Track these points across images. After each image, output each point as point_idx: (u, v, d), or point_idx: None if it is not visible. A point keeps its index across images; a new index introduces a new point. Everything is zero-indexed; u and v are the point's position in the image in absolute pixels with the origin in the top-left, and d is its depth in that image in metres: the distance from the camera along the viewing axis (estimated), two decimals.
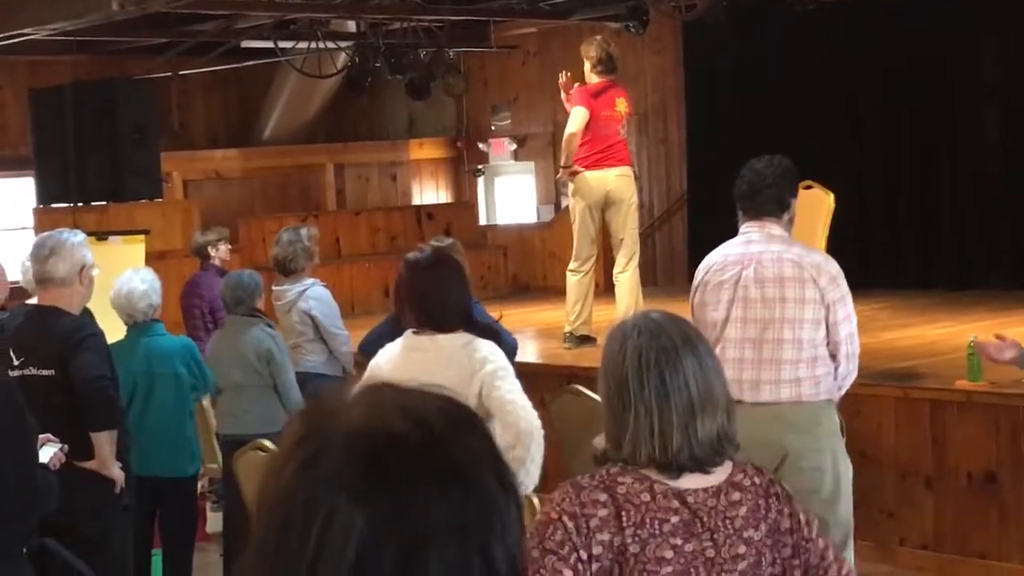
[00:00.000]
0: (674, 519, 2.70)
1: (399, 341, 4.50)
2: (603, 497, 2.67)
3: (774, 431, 4.94)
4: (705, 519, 2.72)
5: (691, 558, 2.70)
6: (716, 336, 5.01)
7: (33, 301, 5.45)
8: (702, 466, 2.73)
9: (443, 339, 4.42)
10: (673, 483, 2.72)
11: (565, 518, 2.65)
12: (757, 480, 2.83)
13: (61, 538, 4.44)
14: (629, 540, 2.66)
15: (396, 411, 1.27)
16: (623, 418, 2.75)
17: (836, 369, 5.06)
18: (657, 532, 2.68)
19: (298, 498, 1.22)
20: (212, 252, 8.93)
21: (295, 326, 7.39)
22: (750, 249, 5.07)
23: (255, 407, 6.79)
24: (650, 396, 2.72)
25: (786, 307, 4.98)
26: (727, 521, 2.74)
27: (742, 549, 2.75)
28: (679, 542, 2.70)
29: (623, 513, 2.66)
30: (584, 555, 2.64)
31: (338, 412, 1.28)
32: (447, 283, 4.49)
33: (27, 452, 4.08)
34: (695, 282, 5.16)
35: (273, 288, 7.44)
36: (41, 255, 5.13)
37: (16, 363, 5.06)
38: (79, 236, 5.26)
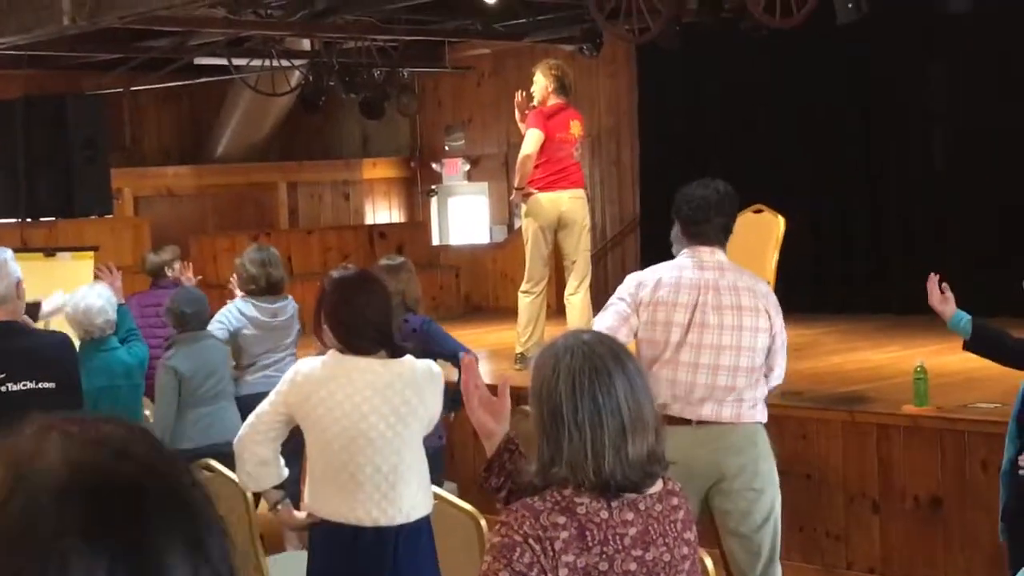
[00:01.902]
0: (632, 531, 2.74)
1: (327, 360, 4.46)
2: (562, 519, 2.68)
3: (712, 452, 5.06)
4: (656, 526, 2.78)
5: (652, 566, 2.76)
6: (665, 357, 5.06)
7: None
8: (636, 488, 2.75)
9: (400, 363, 4.45)
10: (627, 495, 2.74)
11: (531, 541, 2.65)
12: (678, 487, 2.92)
13: None
14: (597, 559, 2.68)
15: (91, 444, 1.23)
16: (557, 441, 2.75)
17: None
18: (620, 547, 2.72)
19: (13, 553, 1.16)
20: (168, 272, 8.88)
21: (288, 339, 7.53)
22: (704, 275, 5.12)
23: (229, 417, 6.81)
24: (584, 419, 2.73)
25: (742, 335, 5.08)
26: (672, 525, 2.82)
27: (685, 550, 2.85)
28: (640, 552, 2.75)
29: (587, 533, 2.68)
30: None
31: (33, 454, 1.23)
32: (369, 303, 4.48)
33: None
34: (640, 296, 5.12)
35: (264, 306, 7.44)
36: None
37: None
38: (7, 252, 5.21)
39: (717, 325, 5.06)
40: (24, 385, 4.98)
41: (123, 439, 1.25)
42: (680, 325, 5.06)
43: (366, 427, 4.35)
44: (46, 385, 5.03)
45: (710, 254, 5.17)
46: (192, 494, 1.23)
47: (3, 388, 4.93)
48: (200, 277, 9.47)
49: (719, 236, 5.20)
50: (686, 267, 5.15)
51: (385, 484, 4.37)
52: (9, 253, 5.21)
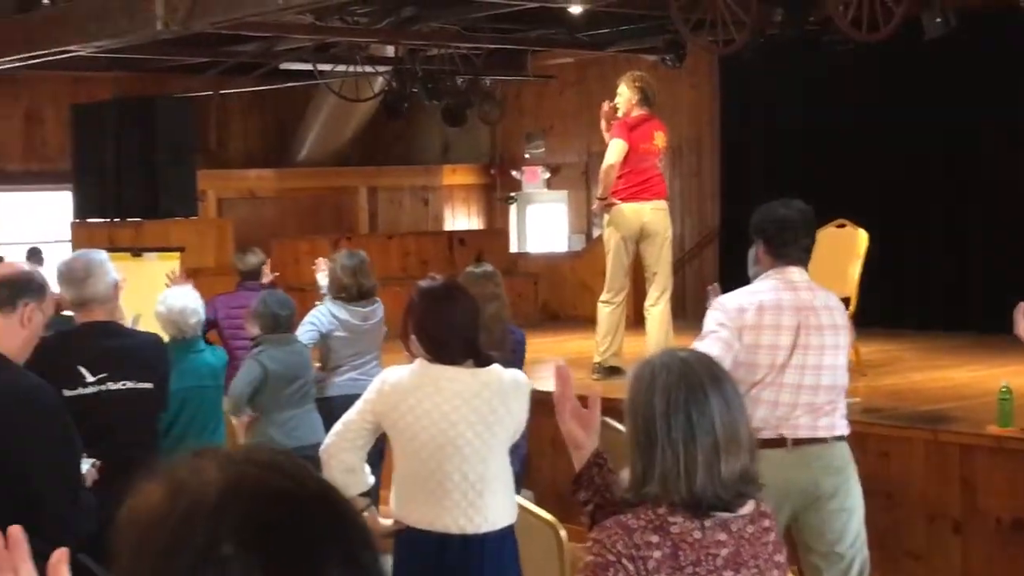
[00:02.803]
0: (724, 552, 2.76)
1: (414, 369, 4.50)
2: (655, 538, 2.70)
3: (810, 473, 5.09)
4: (747, 547, 2.79)
5: None
6: (768, 379, 5.08)
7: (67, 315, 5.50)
8: (728, 507, 2.76)
9: (488, 373, 4.49)
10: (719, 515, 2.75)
11: (624, 560, 2.67)
12: (769, 510, 2.93)
13: (97, 553, 4.47)
14: None
15: (246, 464, 1.28)
16: (650, 457, 2.77)
17: None
18: (713, 568, 2.74)
19: (177, 562, 1.22)
20: (262, 276, 8.98)
21: (376, 343, 7.64)
22: (801, 296, 5.14)
23: (312, 420, 6.92)
24: (677, 436, 2.75)
25: (837, 354, 5.17)
26: (763, 547, 2.82)
27: (776, 573, 2.85)
28: (731, 574, 2.76)
29: (680, 553, 2.69)
30: None
31: (194, 473, 1.28)
32: (456, 313, 4.52)
33: (75, 468, 4.07)
34: (744, 321, 5.11)
35: (356, 310, 7.54)
36: (77, 278, 5.12)
37: (91, 379, 4.99)
38: (104, 254, 5.32)
39: (818, 346, 5.10)
40: (123, 384, 5.06)
41: (276, 459, 1.30)
42: (785, 348, 5.07)
43: (454, 435, 4.39)
44: (144, 385, 5.11)
45: (799, 274, 5.19)
46: (345, 506, 1.27)
47: (104, 387, 5.02)
48: (277, 273, 9.56)
49: (804, 256, 5.22)
50: (781, 289, 5.15)
51: (472, 492, 4.41)
52: (105, 254, 5.31)
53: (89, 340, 5.09)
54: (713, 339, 5.05)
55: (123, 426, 5.03)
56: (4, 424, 3.88)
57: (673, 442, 2.74)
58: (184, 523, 1.23)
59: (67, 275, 5.12)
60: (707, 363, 2.87)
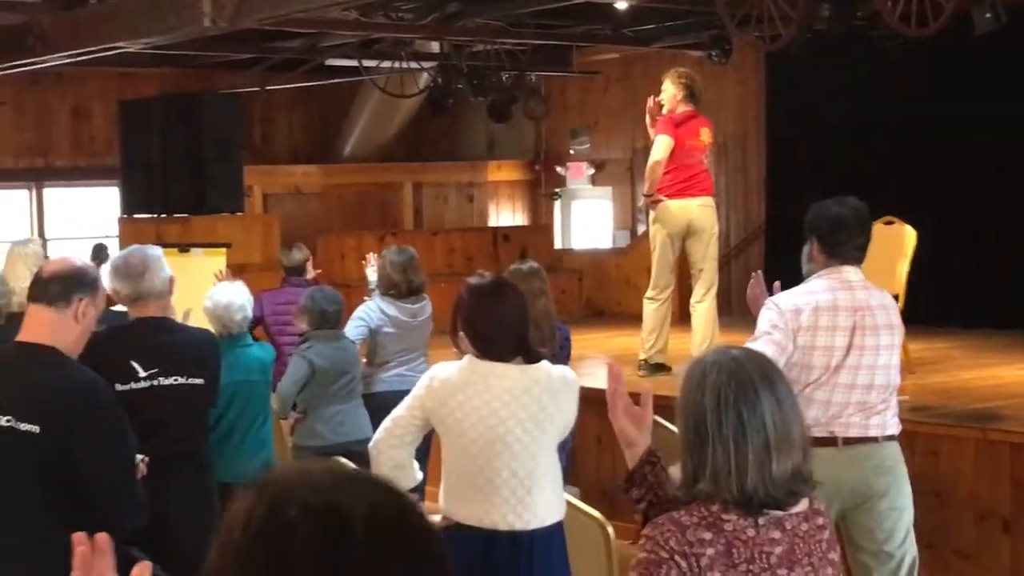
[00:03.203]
0: (778, 550, 2.74)
1: (463, 366, 4.51)
2: (708, 535, 2.69)
3: (862, 472, 5.08)
4: (801, 544, 2.77)
5: None
6: (822, 380, 5.06)
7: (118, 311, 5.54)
8: (780, 505, 2.75)
9: (538, 369, 4.49)
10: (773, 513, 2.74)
11: (677, 557, 2.66)
12: (823, 507, 2.91)
13: (146, 547, 4.49)
14: None
15: (343, 490, 1.30)
16: (701, 455, 2.76)
17: None
18: (767, 566, 2.72)
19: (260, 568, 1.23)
20: (305, 272, 9.03)
21: (423, 339, 7.67)
22: (857, 296, 5.11)
23: (359, 416, 6.95)
24: (728, 435, 2.74)
25: (892, 353, 5.16)
26: (817, 545, 2.81)
27: (830, 571, 2.84)
28: (785, 572, 2.75)
29: (733, 550, 2.68)
30: None
31: (296, 488, 1.29)
32: (505, 310, 4.51)
33: (130, 463, 4.09)
34: (799, 322, 5.07)
35: (405, 306, 7.57)
36: (134, 273, 5.13)
37: (144, 374, 5.01)
38: (159, 250, 5.35)
39: (873, 346, 5.08)
40: (175, 380, 5.08)
41: (364, 488, 1.31)
42: (840, 348, 5.05)
43: (503, 432, 4.38)
44: (195, 381, 5.13)
45: (855, 273, 5.15)
46: (430, 542, 1.28)
47: (155, 382, 5.03)
48: (320, 271, 9.61)
49: (858, 255, 5.19)
50: (836, 288, 5.11)
51: (521, 489, 4.41)
52: (161, 251, 5.34)
53: (142, 335, 5.11)
54: (766, 341, 5.01)
55: (174, 421, 5.07)
56: (61, 419, 3.90)
57: (724, 440, 2.73)
58: (263, 545, 1.25)
59: (123, 270, 5.13)
60: (759, 361, 2.85)
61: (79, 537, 1.82)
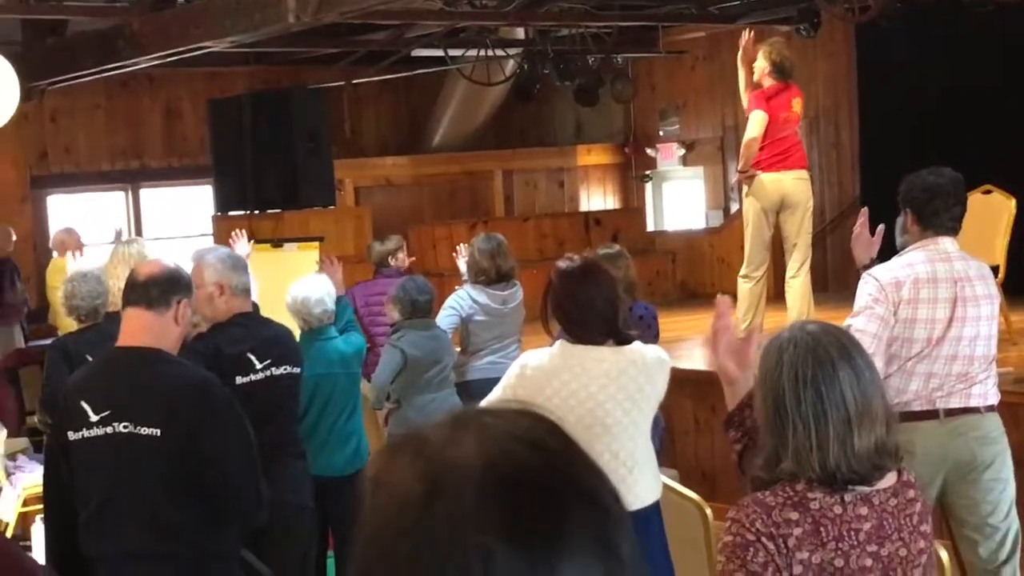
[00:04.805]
0: (866, 526, 2.71)
1: (555, 351, 4.48)
2: (795, 515, 2.65)
3: (966, 443, 5.02)
4: (891, 520, 2.73)
5: (888, 561, 2.72)
6: (924, 352, 4.99)
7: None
8: (864, 480, 2.70)
9: (631, 351, 4.46)
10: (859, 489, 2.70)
11: (764, 539, 2.62)
12: (913, 478, 2.87)
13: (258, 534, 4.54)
14: (832, 555, 2.65)
15: (510, 439, 1.22)
16: (782, 434, 2.73)
17: None
18: (856, 543, 2.68)
19: (435, 545, 1.16)
20: (391, 261, 9.04)
21: (516, 326, 7.66)
22: (955, 266, 5.04)
23: (452, 404, 6.97)
24: (807, 412, 2.70)
25: (991, 324, 5.10)
26: (908, 519, 2.77)
27: (922, 544, 2.80)
28: (875, 548, 2.71)
29: (821, 529, 2.64)
30: (786, 575, 2.62)
31: (450, 446, 1.21)
32: (595, 293, 4.48)
33: (253, 457, 4.08)
34: (901, 295, 4.98)
35: (495, 293, 7.57)
36: (240, 266, 5.26)
37: (260, 365, 5.10)
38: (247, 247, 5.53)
39: (974, 317, 5.02)
40: (285, 370, 5.22)
41: (538, 433, 1.24)
42: (942, 321, 4.99)
43: (602, 415, 4.38)
44: (294, 371, 5.25)
45: (952, 244, 5.07)
46: (604, 490, 1.23)
47: (269, 372, 5.15)
48: (414, 259, 9.65)
49: (954, 226, 5.11)
50: (935, 260, 5.03)
51: (623, 470, 4.42)
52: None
53: (251, 328, 5.22)
54: (869, 316, 4.95)
55: (281, 411, 5.19)
56: (183, 420, 3.90)
57: (804, 418, 2.69)
58: (448, 513, 1.17)
59: (234, 264, 5.25)
60: (836, 336, 2.80)
61: None
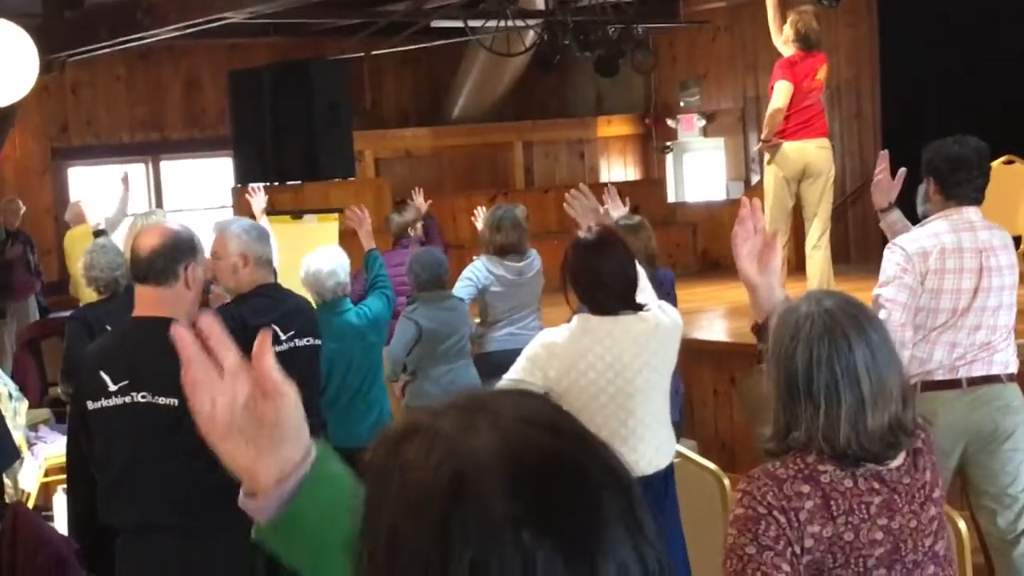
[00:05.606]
0: (877, 500, 2.69)
1: (575, 327, 4.49)
2: (806, 488, 2.63)
3: (988, 413, 5.02)
4: (903, 492, 2.72)
5: (899, 534, 2.69)
6: (948, 323, 4.98)
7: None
8: (877, 459, 2.68)
9: (649, 317, 4.50)
10: (870, 466, 2.68)
11: (776, 512, 2.60)
12: (923, 434, 2.82)
13: None
14: (842, 529, 2.63)
15: (524, 423, 1.17)
16: (793, 411, 2.70)
17: None
18: (866, 516, 2.66)
19: (470, 541, 1.10)
20: (411, 232, 9.03)
21: (534, 296, 7.59)
22: (980, 236, 5.02)
23: (469, 375, 6.95)
24: (819, 391, 2.67)
25: (1013, 293, 5.09)
26: (920, 490, 2.75)
27: (933, 511, 2.77)
28: (885, 521, 2.68)
29: (832, 503, 2.62)
30: (797, 549, 2.62)
31: (464, 432, 1.16)
32: (612, 264, 4.48)
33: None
34: (928, 266, 4.95)
35: (511, 264, 7.51)
36: (263, 237, 5.23)
37: (284, 337, 5.03)
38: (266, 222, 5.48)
39: (999, 287, 5.01)
40: (308, 341, 5.17)
41: (550, 415, 1.20)
42: (968, 291, 4.97)
43: (639, 380, 4.46)
44: (316, 342, 5.21)
45: (975, 213, 5.04)
46: (619, 465, 1.19)
47: (293, 343, 5.09)
48: (431, 202, 9.62)
49: (978, 196, 5.08)
50: (960, 229, 5.00)
51: (648, 433, 4.49)
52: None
53: (275, 300, 5.17)
54: (898, 285, 4.93)
55: (308, 382, 5.12)
56: None
57: (815, 399, 2.66)
58: (478, 504, 1.11)
59: (258, 235, 5.20)
60: (853, 311, 2.75)
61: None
